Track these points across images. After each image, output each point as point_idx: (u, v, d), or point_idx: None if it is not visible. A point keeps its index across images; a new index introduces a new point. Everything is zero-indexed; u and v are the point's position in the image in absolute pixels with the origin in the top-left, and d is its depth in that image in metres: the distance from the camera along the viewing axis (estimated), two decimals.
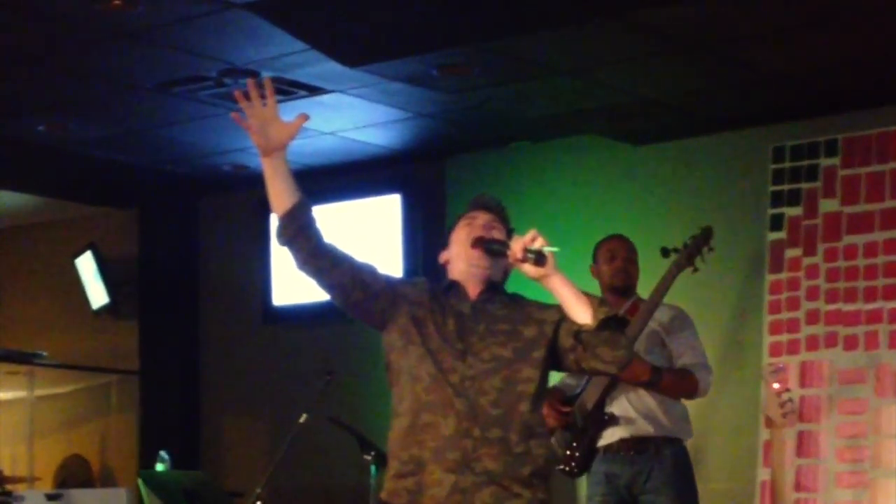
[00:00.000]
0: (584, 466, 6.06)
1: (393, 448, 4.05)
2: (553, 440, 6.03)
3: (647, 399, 5.97)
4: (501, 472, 3.93)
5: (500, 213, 4.23)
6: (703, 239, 6.09)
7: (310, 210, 4.04)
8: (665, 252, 6.10)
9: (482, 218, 4.17)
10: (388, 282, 4.15)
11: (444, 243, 4.25)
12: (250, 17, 6.22)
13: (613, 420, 5.97)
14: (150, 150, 8.61)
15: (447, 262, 4.21)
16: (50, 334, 10.28)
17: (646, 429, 5.96)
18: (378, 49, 6.65)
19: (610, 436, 6.01)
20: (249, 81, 4.03)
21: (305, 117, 4.04)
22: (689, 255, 6.04)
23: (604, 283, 6.12)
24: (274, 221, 4.07)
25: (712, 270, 6.38)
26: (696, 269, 6.09)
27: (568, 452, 6.04)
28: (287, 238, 4.02)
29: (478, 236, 4.11)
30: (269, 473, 6.73)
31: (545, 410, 5.94)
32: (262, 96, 4.00)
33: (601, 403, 5.99)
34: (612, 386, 5.96)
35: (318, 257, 4.02)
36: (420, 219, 8.64)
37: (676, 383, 5.97)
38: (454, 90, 7.24)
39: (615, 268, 6.11)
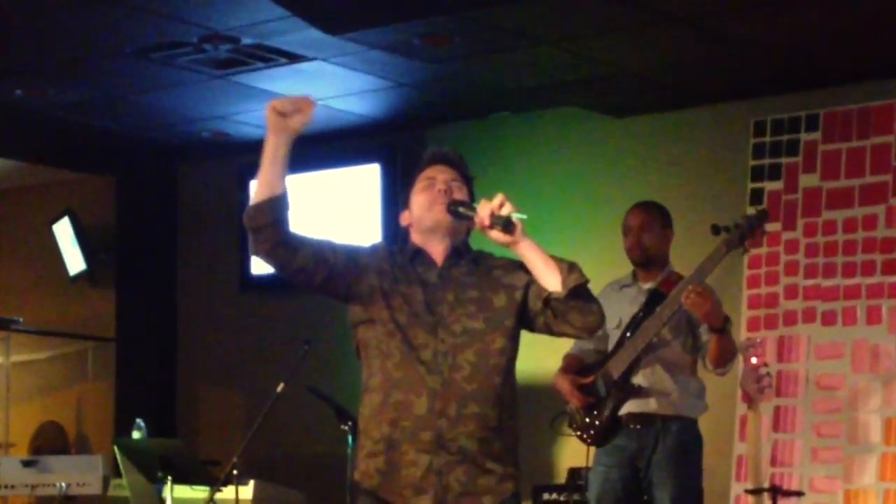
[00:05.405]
0: (605, 436, 5.85)
1: (364, 425, 3.96)
2: (571, 406, 5.93)
3: (662, 375, 5.80)
4: (476, 450, 3.85)
5: (459, 168, 4.09)
6: (757, 219, 5.70)
7: (289, 204, 3.92)
8: (716, 230, 5.68)
9: (442, 177, 4.04)
10: (349, 253, 4.01)
11: (404, 203, 4.12)
12: None
13: (642, 391, 5.77)
14: (129, 115, 8.55)
15: (409, 225, 4.09)
16: (26, 300, 10.23)
17: (652, 405, 5.78)
18: (359, 17, 6.60)
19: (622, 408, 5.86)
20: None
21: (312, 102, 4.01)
22: (741, 235, 5.62)
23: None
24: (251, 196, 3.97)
25: (691, 244, 6.36)
26: (746, 251, 5.79)
27: (588, 420, 5.86)
28: (259, 224, 3.90)
29: (443, 201, 3.98)
30: (245, 442, 6.72)
31: (566, 389, 5.87)
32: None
33: (628, 373, 5.77)
34: (641, 357, 5.75)
35: (282, 246, 3.92)
36: (399, 189, 8.58)
37: (732, 343, 5.75)
38: (435, 59, 7.20)
39: (629, 244, 5.94)
